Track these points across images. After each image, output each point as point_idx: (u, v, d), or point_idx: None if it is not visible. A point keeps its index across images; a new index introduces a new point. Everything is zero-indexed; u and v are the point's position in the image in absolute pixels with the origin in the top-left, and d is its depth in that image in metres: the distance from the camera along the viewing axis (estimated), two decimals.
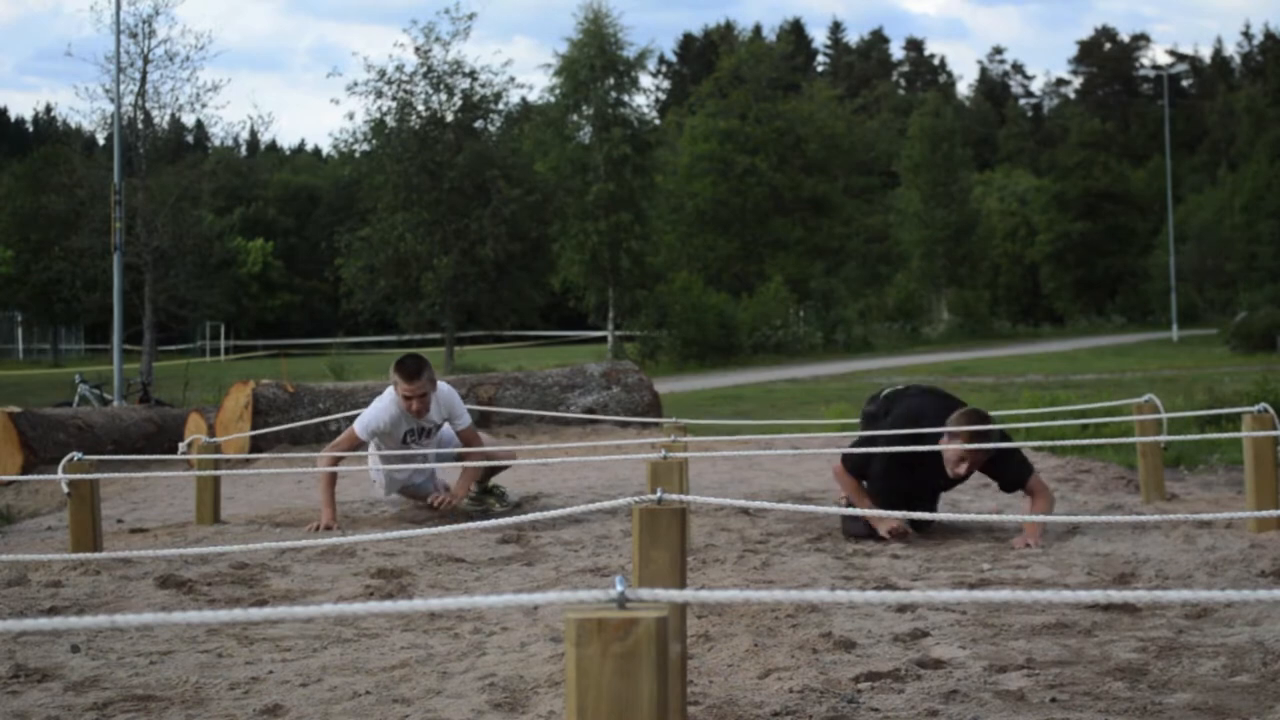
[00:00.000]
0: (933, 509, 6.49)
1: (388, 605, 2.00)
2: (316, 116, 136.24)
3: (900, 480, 6.27)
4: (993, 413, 6.71)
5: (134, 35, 22.69)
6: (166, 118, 24.38)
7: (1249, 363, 25.90)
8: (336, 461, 7.03)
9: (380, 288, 31.65)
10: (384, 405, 7.08)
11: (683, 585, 3.04)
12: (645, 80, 75.29)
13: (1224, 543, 5.70)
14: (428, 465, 6.88)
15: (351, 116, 50.59)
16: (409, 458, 7.15)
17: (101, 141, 29.00)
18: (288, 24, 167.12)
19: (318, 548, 5.88)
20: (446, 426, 7.30)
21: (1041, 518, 5.65)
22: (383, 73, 31.85)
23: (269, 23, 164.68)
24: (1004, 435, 6.54)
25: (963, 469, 6.12)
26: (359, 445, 7.11)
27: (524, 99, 38.48)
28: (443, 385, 7.27)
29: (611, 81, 36.43)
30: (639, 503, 3.06)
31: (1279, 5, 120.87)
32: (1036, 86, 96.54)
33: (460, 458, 7.28)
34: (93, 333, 47.71)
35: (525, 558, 5.90)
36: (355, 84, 32.82)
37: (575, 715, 1.82)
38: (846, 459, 6.44)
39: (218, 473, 7.09)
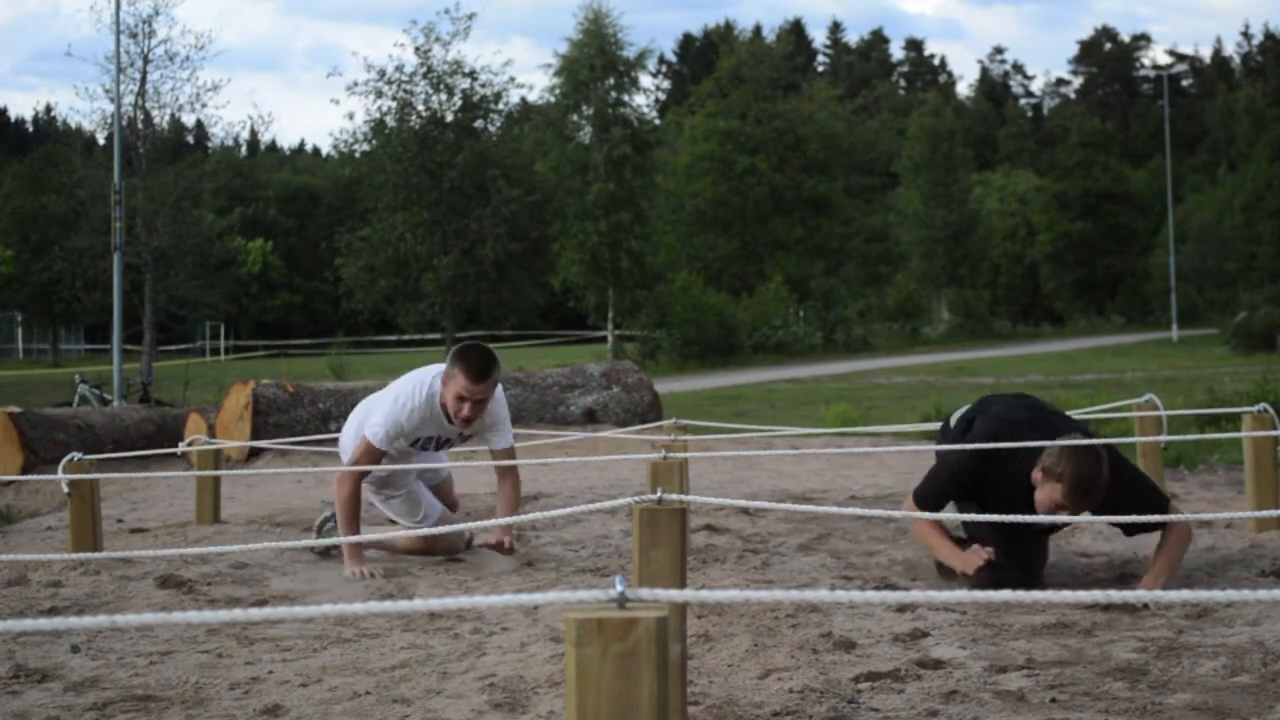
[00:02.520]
0: (1043, 555, 5.12)
1: (388, 605, 2.00)
2: (315, 116, 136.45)
3: (1002, 525, 4.63)
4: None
5: (134, 35, 22.72)
6: (166, 118, 24.41)
7: (1249, 363, 25.90)
8: (359, 484, 5.60)
9: (380, 288, 31.70)
10: (412, 405, 5.56)
11: (683, 585, 3.04)
12: (645, 80, 75.31)
13: (1224, 543, 5.70)
14: (433, 467, 5.87)
15: (351, 116, 50.73)
16: (412, 461, 5.88)
17: (101, 141, 29.02)
18: (284, 24, 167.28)
19: (318, 547, 5.88)
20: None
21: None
22: (383, 73, 31.91)
23: (266, 23, 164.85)
24: (1119, 465, 4.80)
25: (1060, 516, 4.61)
26: (379, 459, 5.65)
27: (524, 99, 38.57)
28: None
29: (611, 81, 36.44)
30: (639, 503, 3.06)
31: (1278, 5, 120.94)
32: (1036, 86, 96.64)
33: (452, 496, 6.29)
34: (93, 333, 47.71)
35: (525, 558, 5.89)
36: (355, 84, 32.92)
37: (575, 715, 1.82)
38: (921, 499, 4.96)
39: (218, 472, 7.08)
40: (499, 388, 5.69)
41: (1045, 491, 4.56)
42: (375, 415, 5.63)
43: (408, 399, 5.57)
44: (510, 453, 5.80)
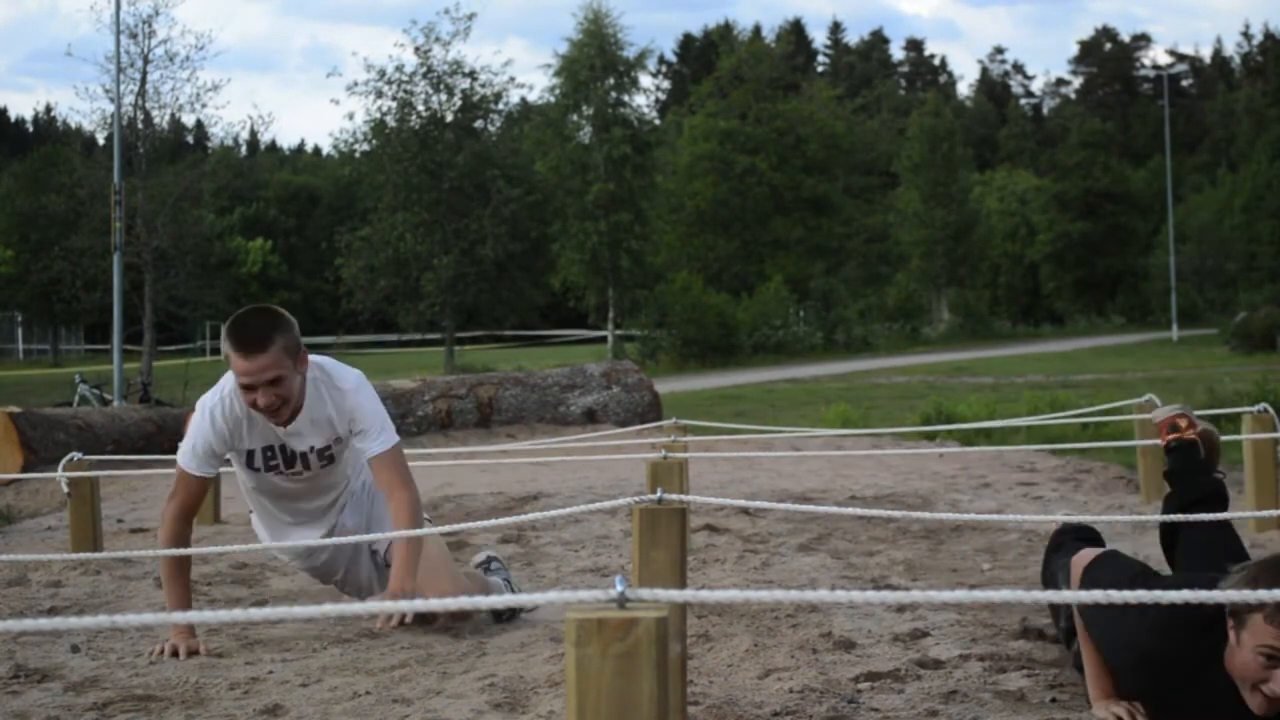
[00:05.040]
0: None
1: (388, 605, 2.01)
2: (312, 117, 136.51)
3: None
4: (993, 412, 6.43)
5: (134, 35, 22.73)
6: (166, 118, 24.43)
7: (1249, 363, 25.90)
8: (181, 530, 4.34)
9: (380, 288, 31.73)
10: (206, 414, 4.22)
11: (683, 585, 3.04)
12: (645, 80, 75.23)
13: None
14: (332, 541, 4.31)
15: (351, 116, 50.73)
16: (303, 518, 4.46)
17: (101, 141, 29.05)
18: (280, 25, 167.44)
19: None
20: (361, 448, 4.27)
21: None
22: (382, 73, 31.95)
23: (262, 24, 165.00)
24: None
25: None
26: (200, 485, 4.32)
27: (524, 99, 38.62)
28: (342, 371, 4.30)
29: (611, 81, 36.48)
30: (639, 503, 3.06)
31: (1278, 5, 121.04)
32: (1037, 86, 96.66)
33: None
34: (93, 333, 47.70)
35: (525, 558, 5.89)
36: (355, 84, 32.97)
37: (575, 715, 1.82)
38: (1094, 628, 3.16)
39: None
40: (354, 374, 4.30)
41: (1249, 641, 2.71)
42: (185, 438, 4.28)
43: (202, 410, 4.23)
44: (392, 460, 4.20)
